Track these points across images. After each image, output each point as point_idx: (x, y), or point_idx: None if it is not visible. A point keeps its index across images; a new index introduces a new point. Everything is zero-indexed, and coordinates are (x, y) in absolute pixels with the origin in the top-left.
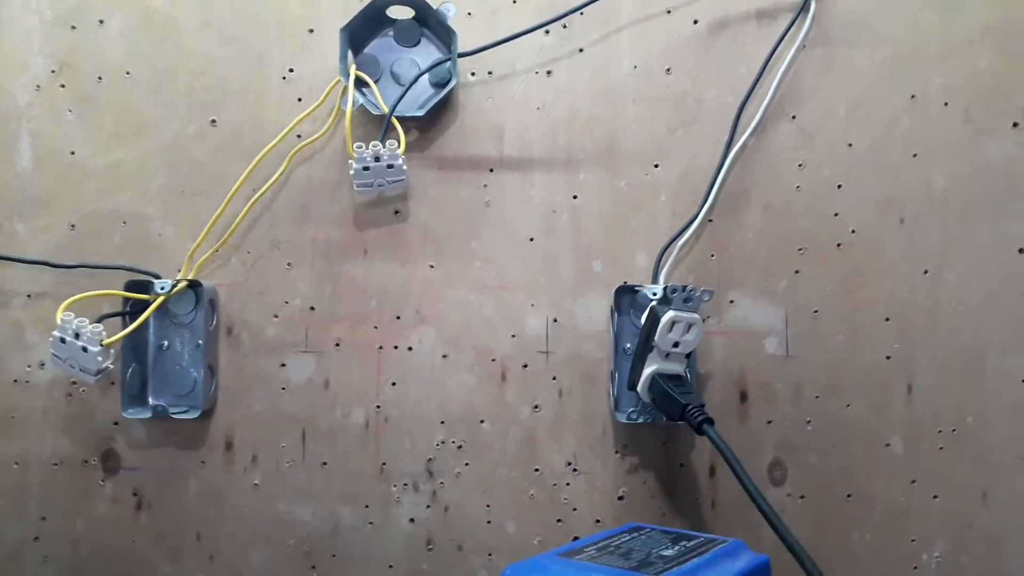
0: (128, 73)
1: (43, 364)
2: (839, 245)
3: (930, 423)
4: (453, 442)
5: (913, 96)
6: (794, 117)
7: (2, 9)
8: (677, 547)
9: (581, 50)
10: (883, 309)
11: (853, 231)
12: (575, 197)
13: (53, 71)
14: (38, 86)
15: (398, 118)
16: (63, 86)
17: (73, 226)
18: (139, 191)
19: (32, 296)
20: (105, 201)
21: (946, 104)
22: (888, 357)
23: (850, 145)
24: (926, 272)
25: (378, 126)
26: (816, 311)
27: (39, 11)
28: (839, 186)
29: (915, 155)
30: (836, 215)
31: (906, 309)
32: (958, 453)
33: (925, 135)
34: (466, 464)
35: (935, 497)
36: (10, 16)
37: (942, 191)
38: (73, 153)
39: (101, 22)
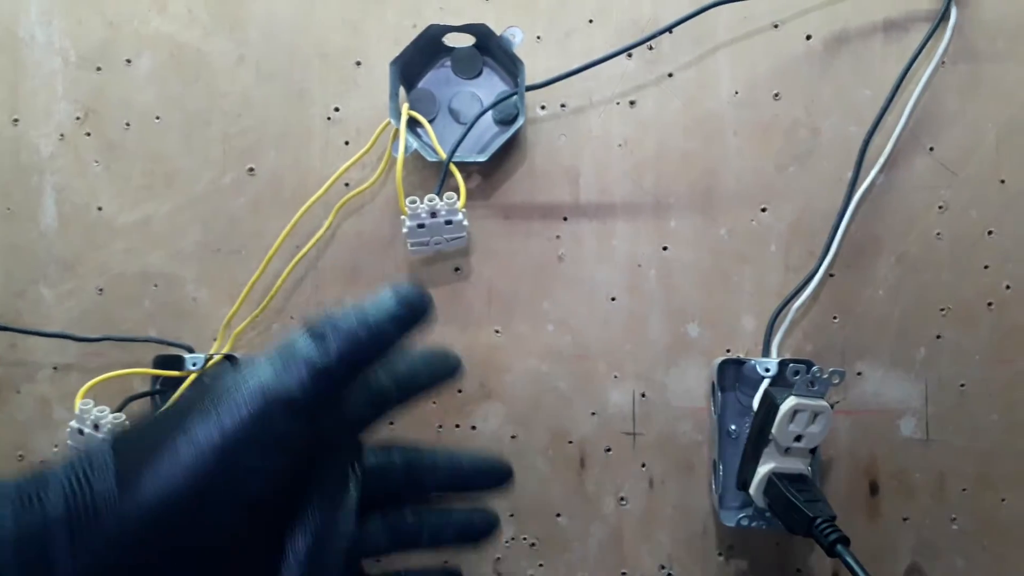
0: (158, 118)
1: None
2: (990, 304)
3: None
4: (525, 539)
5: None
6: (932, 149)
7: (23, 50)
8: None
9: (671, 75)
10: None
11: (1008, 287)
12: (665, 248)
13: (78, 118)
14: (62, 135)
15: (457, 164)
16: (88, 134)
17: (101, 290)
18: (171, 250)
19: (59, 368)
20: (134, 262)
21: None
22: None
23: (1003, 181)
24: None
25: (435, 172)
26: (963, 385)
27: (62, 51)
28: (990, 232)
29: None
30: (986, 267)
31: None
32: None
33: None
34: (540, 565)
35: None
36: (31, 58)
37: None
38: (100, 208)
39: (128, 62)
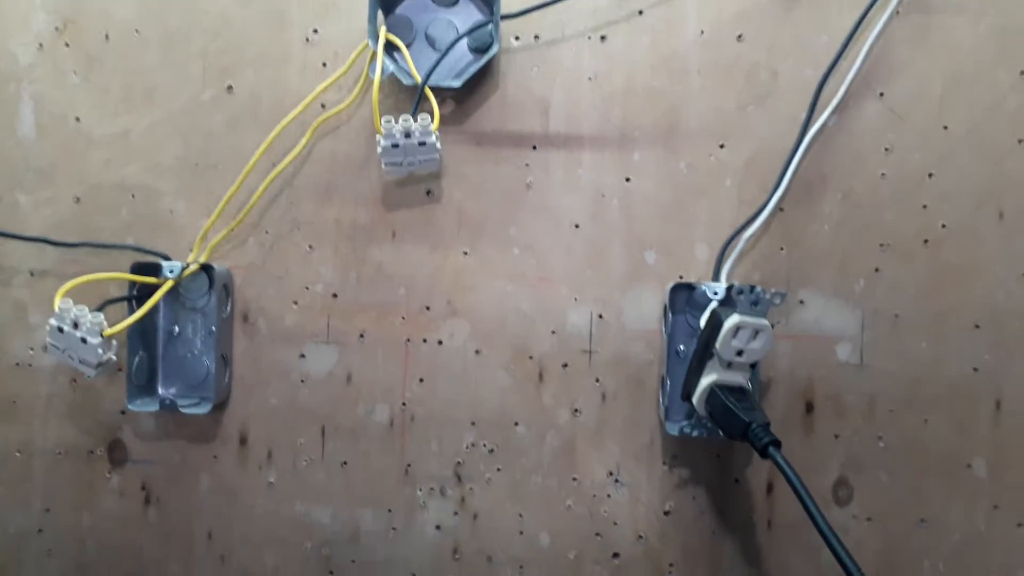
0: (138, 31)
1: (46, 347)
2: (927, 241)
3: (1019, 443)
4: (484, 445)
5: (1022, 73)
6: (882, 95)
7: None
8: None
9: (640, 12)
10: (973, 315)
11: (944, 226)
12: (628, 180)
13: (57, 28)
14: (40, 44)
15: (432, 88)
16: (67, 45)
17: (78, 199)
18: (149, 163)
19: (35, 274)
20: (112, 173)
21: None
22: (976, 369)
23: (945, 128)
24: None
25: (410, 96)
26: (897, 315)
27: None
28: (930, 174)
29: (1021, 141)
30: (925, 207)
31: (1000, 316)
32: None
33: None
34: (498, 469)
35: (1020, 525)
36: None
37: None
38: (78, 120)
39: None
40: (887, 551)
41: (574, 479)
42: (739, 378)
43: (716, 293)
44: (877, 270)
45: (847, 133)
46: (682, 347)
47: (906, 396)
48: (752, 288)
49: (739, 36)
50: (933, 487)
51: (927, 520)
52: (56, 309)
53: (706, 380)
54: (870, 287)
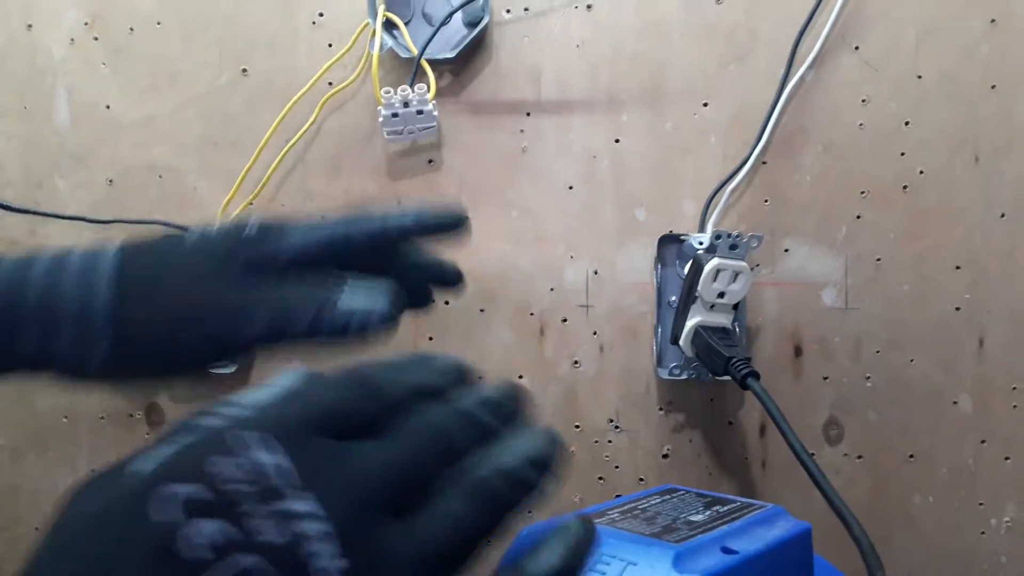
0: (159, 23)
1: None
2: (905, 188)
3: (1003, 379)
4: None
5: (993, 20)
6: (857, 48)
7: None
8: (709, 512)
9: None
10: (953, 257)
11: (921, 172)
12: (617, 141)
13: (86, 23)
14: (72, 39)
15: (429, 61)
16: (96, 39)
17: (111, 181)
18: (174, 144)
19: None
20: (141, 155)
21: None
22: (958, 309)
23: (919, 77)
24: (1003, 216)
25: (410, 71)
26: (879, 259)
27: None
28: (907, 123)
29: (993, 86)
30: (903, 155)
31: (979, 256)
32: None
33: (1006, 64)
34: None
35: (1007, 459)
36: None
37: None
38: (108, 107)
39: None
40: (878, 487)
41: (576, 426)
42: (722, 319)
43: (702, 243)
44: (858, 217)
45: (825, 86)
46: (673, 298)
47: (891, 337)
48: (730, 233)
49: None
50: (921, 424)
51: (916, 456)
52: None
53: (691, 322)
54: (852, 233)
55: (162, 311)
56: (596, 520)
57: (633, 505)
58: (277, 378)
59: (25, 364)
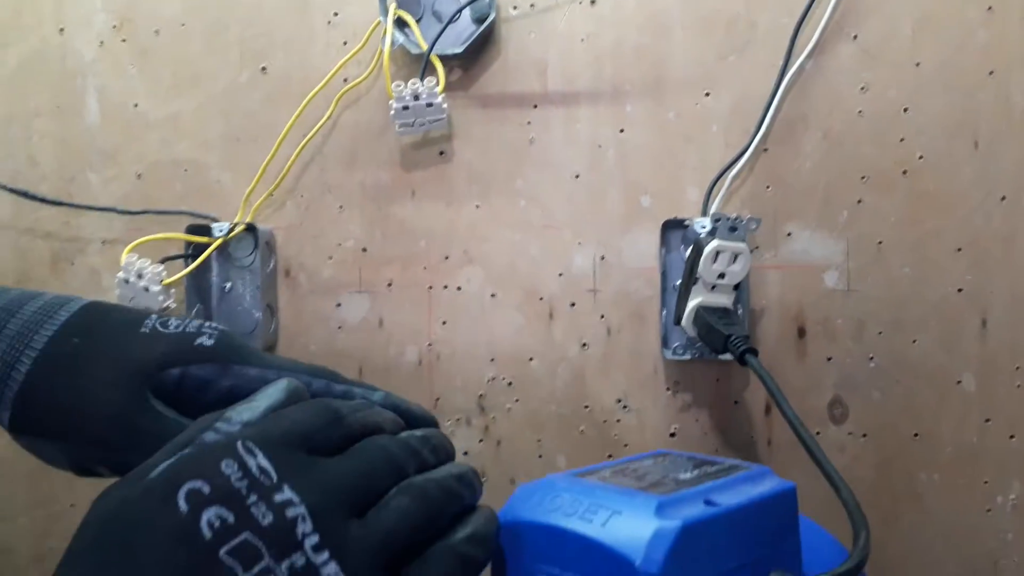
0: (183, 25)
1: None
2: (905, 172)
3: (1007, 359)
4: (503, 379)
5: (990, 8)
6: (855, 37)
7: None
8: (697, 471)
9: None
10: (954, 239)
11: (921, 157)
12: (621, 131)
13: (114, 26)
14: (101, 42)
15: (439, 56)
16: (124, 41)
17: (139, 175)
18: (198, 140)
19: (106, 242)
20: (167, 151)
21: None
22: (960, 290)
23: (918, 64)
24: (1003, 199)
25: (421, 66)
26: (880, 242)
27: None
28: (905, 109)
29: (991, 72)
30: (902, 140)
31: (980, 238)
32: None
33: (1004, 50)
34: (516, 400)
35: (1012, 437)
36: None
37: (1022, 111)
38: (136, 105)
39: None
40: (883, 465)
41: (586, 407)
42: (722, 299)
43: (704, 227)
44: (859, 201)
45: (824, 75)
46: (678, 282)
47: (893, 318)
48: (730, 217)
49: None
50: (924, 403)
51: (920, 435)
52: (123, 263)
53: (692, 303)
54: (853, 217)
55: (58, 416)
56: (589, 477)
57: (625, 465)
58: (266, 390)
59: None
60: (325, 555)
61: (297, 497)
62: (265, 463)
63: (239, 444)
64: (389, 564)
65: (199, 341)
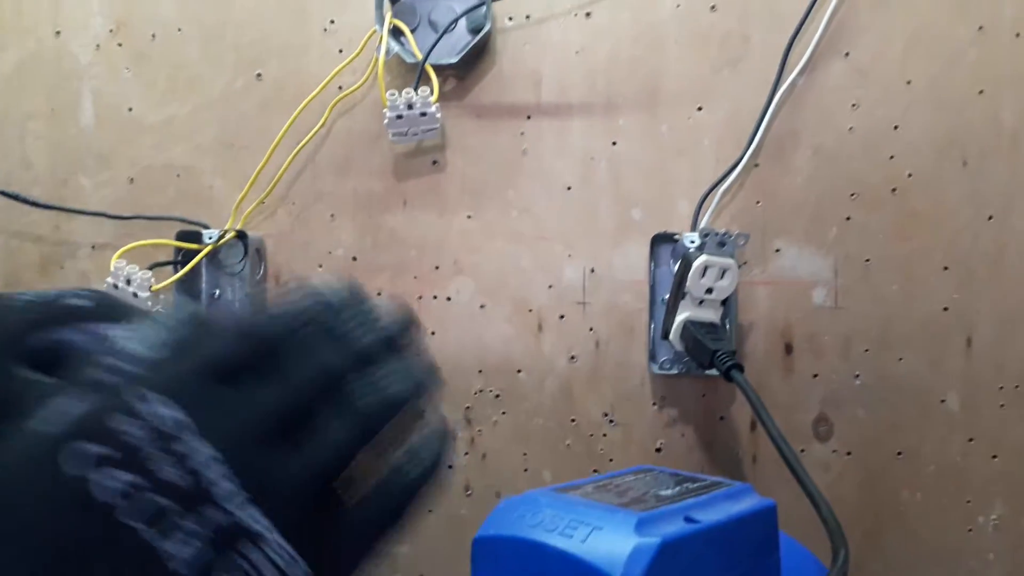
0: (179, 30)
1: None
2: (894, 190)
3: (991, 379)
4: (491, 391)
5: (981, 27)
6: (847, 54)
7: None
8: (678, 488)
9: None
10: (941, 257)
11: (910, 175)
12: (614, 143)
13: (111, 30)
14: (98, 45)
15: (434, 66)
16: (120, 45)
17: (132, 180)
18: (191, 145)
19: (96, 247)
20: (160, 155)
21: (1018, 35)
22: (946, 308)
23: (908, 83)
24: (991, 218)
25: (416, 75)
26: (868, 260)
27: None
28: (895, 127)
29: (981, 91)
30: (892, 158)
31: (967, 257)
32: (1022, 410)
33: (993, 69)
34: (503, 413)
35: (995, 457)
36: None
37: (1011, 130)
38: (131, 109)
39: None
40: (868, 483)
41: (572, 420)
42: (710, 314)
43: (693, 242)
44: (848, 218)
45: (816, 91)
46: (666, 296)
47: (880, 336)
48: (718, 232)
49: (712, 7)
50: (909, 421)
51: (904, 453)
52: (112, 268)
53: (680, 317)
54: (842, 234)
55: None
56: (572, 493)
57: (608, 481)
58: (164, 317)
59: None
60: (240, 499)
61: (204, 441)
62: (175, 413)
63: (145, 394)
64: (320, 503)
65: (69, 302)
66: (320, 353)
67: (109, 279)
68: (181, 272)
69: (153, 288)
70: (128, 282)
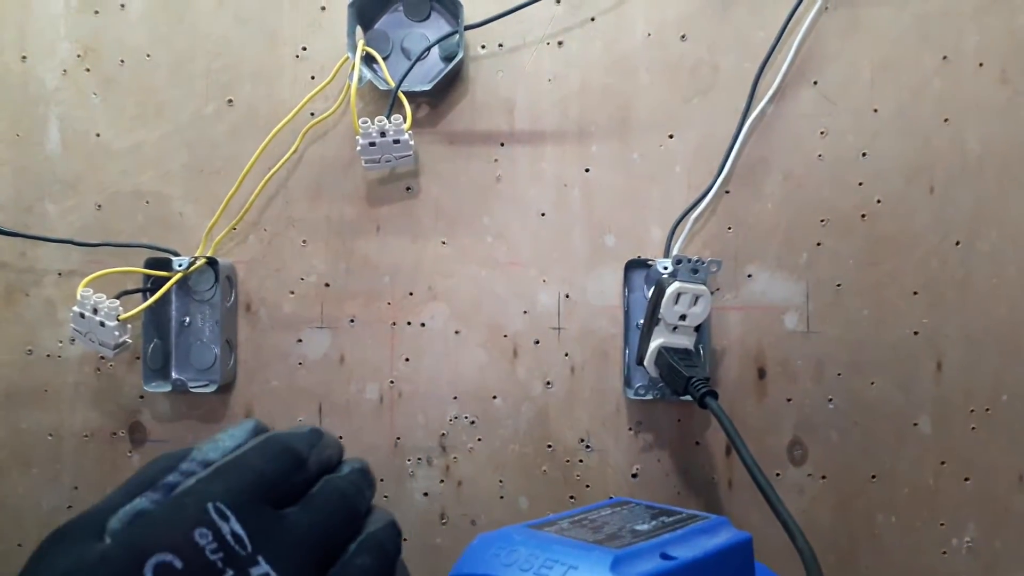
0: (148, 56)
1: (73, 340)
2: (864, 216)
3: (961, 402)
4: (466, 418)
5: (945, 57)
6: (815, 83)
7: None
8: (654, 522)
9: (593, 19)
10: (911, 282)
11: (879, 201)
12: (587, 170)
13: (79, 55)
14: (64, 70)
15: (406, 93)
16: (88, 70)
17: (99, 206)
18: (160, 171)
19: (63, 274)
20: (129, 181)
21: (981, 64)
22: (916, 333)
23: (876, 111)
24: (958, 243)
25: (388, 102)
26: (839, 285)
27: None
28: (864, 154)
29: (946, 120)
30: (860, 184)
31: (935, 282)
32: (991, 433)
33: (958, 98)
34: (479, 439)
35: (966, 479)
36: (37, 2)
37: (976, 157)
38: (98, 135)
39: (122, 6)
40: (842, 506)
41: (548, 446)
42: (684, 341)
43: (667, 268)
44: (819, 244)
45: (785, 119)
46: (640, 321)
47: (852, 360)
48: (691, 259)
49: (682, 36)
50: (882, 445)
51: (878, 476)
52: (79, 296)
53: (654, 343)
54: (813, 260)
55: None
56: (546, 529)
57: (583, 516)
58: (231, 430)
59: None
60: None
61: (272, 569)
62: (238, 529)
63: (211, 507)
64: None
65: None
66: (346, 491)
67: (76, 308)
68: (150, 300)
69: (121, 317)
70: (95, 311)
